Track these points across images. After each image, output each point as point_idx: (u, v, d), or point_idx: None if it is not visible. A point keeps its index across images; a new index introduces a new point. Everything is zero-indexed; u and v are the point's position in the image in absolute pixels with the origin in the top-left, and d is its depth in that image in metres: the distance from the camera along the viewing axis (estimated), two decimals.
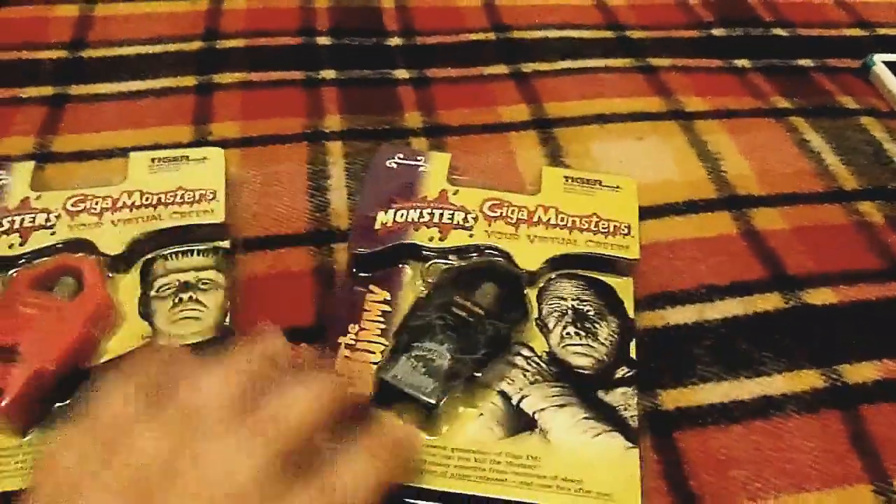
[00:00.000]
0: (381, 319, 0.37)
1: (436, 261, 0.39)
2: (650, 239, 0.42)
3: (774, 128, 0.49)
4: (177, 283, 0.38)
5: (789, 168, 0.47)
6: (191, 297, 0.38)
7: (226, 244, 0.40)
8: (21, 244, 0.38)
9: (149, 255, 0.39)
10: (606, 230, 0.40)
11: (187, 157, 0.42)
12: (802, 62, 0.55)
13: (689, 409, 0.35)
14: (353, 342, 0.36)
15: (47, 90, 0.50)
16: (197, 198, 0.40)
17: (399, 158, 0.43)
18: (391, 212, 0.40)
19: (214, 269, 0.39)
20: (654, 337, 0.38)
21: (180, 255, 0.39)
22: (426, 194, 0.41)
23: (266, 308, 0.38)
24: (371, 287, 0.38)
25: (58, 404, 0.33)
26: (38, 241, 0.38)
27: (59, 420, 0.33)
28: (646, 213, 0.43)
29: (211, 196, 0.40)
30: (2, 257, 0.38)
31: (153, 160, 0.42)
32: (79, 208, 0.40)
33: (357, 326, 0.36)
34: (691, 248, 0.42)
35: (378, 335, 0.36)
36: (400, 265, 0.39)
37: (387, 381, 0.33)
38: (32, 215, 0.39)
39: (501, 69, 0.53)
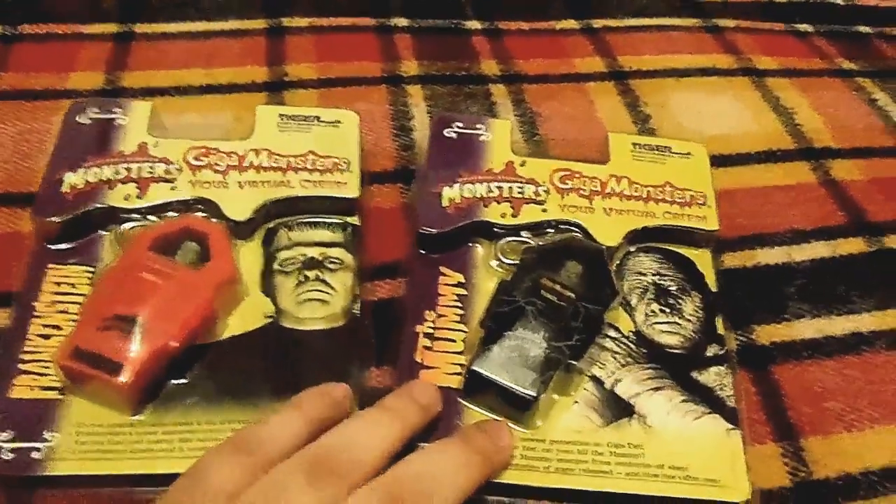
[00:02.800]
0: (459, 304, 0.34)
1: (510, 239, 0.36)
2: (732, 184, 0.43)
3: (842, 87, 0.50)
4: (302, 259, 0.35)
5: (860, 123, 0.48)
6: (317, 277, 0.35)
7: (356, 220, 0.37)
8: (139, 196, 0.35)
9: (272, 224, 0.36)
10: (683, 200, 0.38)
11: (318, 117, 0.39)
12: (862, 29, 0.56)
13: (784, 344, 0.36)
14: (431, 331, 0.33)
15: (111, 27, 0.49)
16: (329, 166, 0.37)
17: (458, 127, 0.40)
18: (457, 186, 0.37)
19: (342, 248, 0.36)
20: (746, 275, 0.39)
21: (305, 227, 0.36)
22: (491, 166, 0.38)
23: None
24: (442, 269, 0.36)
25: (173, 381, 0.31)
26: (158, 195, 0.35)
27: (173, 399, 0.30)
28: (726, 160, 0.44)
29: (344, 166, 0.37)
30: (117, 208, 0.35)
31: (281, 116, 0.39)
32: (202, 163, 0.36)
33: (434, 313, 0.34)
34: (774, 195, 0.43)
35: (457, 322, 0.34)
36: (469, 244, 0.37)
37: (481, 374, 0.31)
38: (151, 164, 0.36)
39: (571, 24, 0.53)
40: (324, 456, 0.26)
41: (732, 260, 0.39)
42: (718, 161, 0.44)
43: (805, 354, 0.36)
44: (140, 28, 0.49)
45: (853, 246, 0.41)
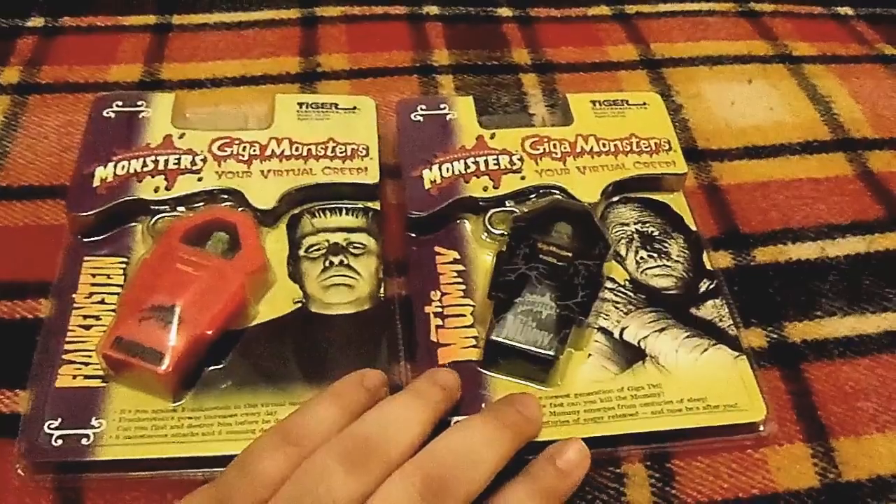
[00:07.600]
0: (459, 280, 0.35)
1: (496, 210, 0.37)
2: (766, 177, 0.42)
3: (883, 74, 0.49)
4: (327, 245, 0.36)
5: None
6: (342, 262, 0.35)
7: (376, 205, 0.38)
8: (167, 188, 0.36)
9: (295, 211, 0.37)
10: (649, 149, 0.39)
11: (336, 104, 0.40)
12: None
13: (816, 342, 0.36)
14: (440, 310, 0.34)
15: (150, 19, 0.50)
16: (349, 153, 0.38)
17: (422, 110, 0.40)
18: (436, 168, 0.38)
19: (366, 233, 0.37)
20: (778, 271, 0.38)
21: (328, 213, 0.37)
22: (463, 143, 0.39)
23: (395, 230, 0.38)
24: (436, 249, 0.36)
25: (210, 367, 0.32)
26: (185, 186, 0.36)
27: (210, 384, 0.31)
28: (761, 152, 0.44)
29: (364, 152, 0.38)
30: (147, 200, 0.36)
31: (300, 105, 0.40)
32: (225, 153, 0.37)
33: (438, 292, 0.35)
34: (808, 188, 0.42)
35: (461, 297, 0.35)
36: (457, 221, 0.37)
37: (501, 342, 0.32)
38: (177, 156, 0.37)
39: (604, 10, 0.53)
40: (360, 441, 0.27)
41: (764, 255, 0.39)
42: (752, 153, 0.44)
43: (837, 353, 0.36)
44: (177, 19, 0.50)
45: (890, 241, 0.40)
